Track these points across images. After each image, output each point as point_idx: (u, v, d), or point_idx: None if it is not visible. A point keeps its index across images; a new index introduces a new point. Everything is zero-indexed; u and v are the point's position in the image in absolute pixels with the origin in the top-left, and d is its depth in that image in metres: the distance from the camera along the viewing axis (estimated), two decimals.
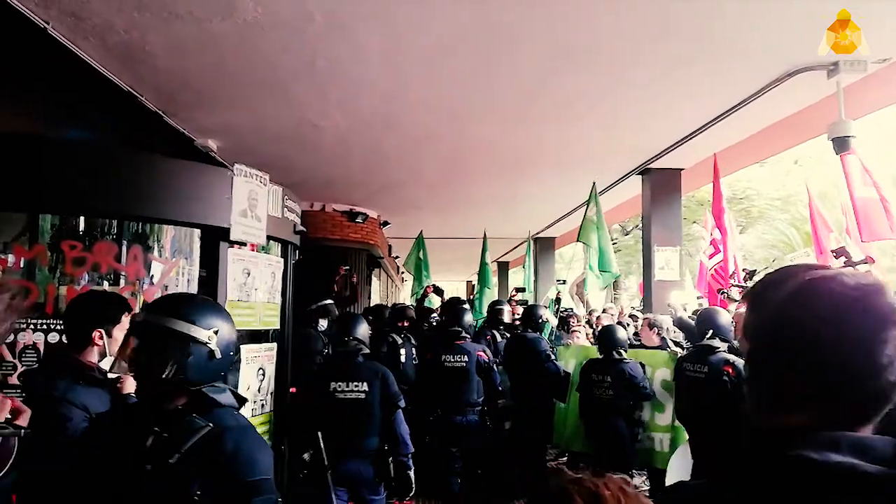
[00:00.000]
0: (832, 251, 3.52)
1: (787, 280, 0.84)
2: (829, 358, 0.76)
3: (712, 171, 5.59)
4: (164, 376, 1.52)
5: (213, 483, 1.46)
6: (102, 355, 2.19)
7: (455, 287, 23.19)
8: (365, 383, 3.35)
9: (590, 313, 7.51)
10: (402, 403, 3.41)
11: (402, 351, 5.11)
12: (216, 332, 1.60)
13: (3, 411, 1.41)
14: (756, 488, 0.77)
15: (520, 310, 6.45)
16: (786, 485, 0.74)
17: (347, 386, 3.35)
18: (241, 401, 1.70)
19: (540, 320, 5.34)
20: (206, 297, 1.99)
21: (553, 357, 5.05)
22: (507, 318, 5.96)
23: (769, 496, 0.75)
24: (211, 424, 1.51)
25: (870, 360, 0.75)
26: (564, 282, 9.01)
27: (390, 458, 3.35)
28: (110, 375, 2.27)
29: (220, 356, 1.60)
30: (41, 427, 1.74)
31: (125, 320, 2.24)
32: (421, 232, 9.39)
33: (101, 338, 2.18)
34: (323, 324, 4.86)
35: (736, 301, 4.61)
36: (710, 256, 5.86)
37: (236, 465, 1.48)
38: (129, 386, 2.24)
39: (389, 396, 3.36)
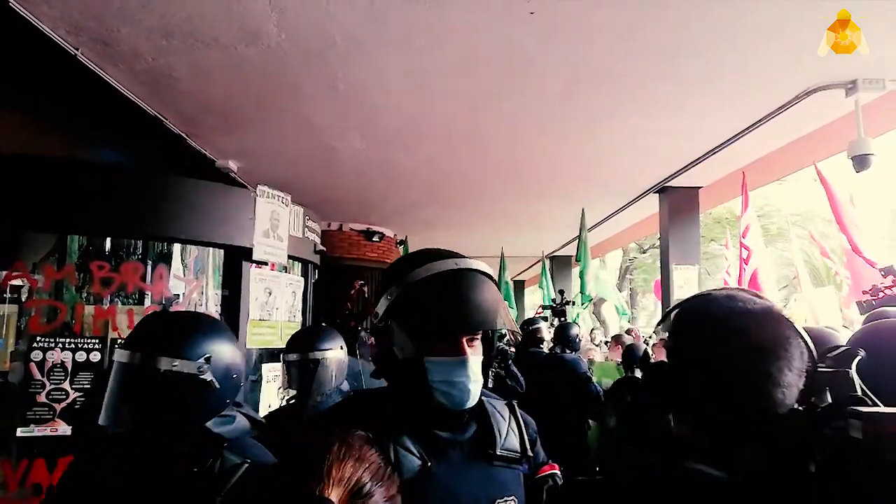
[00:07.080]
0: (881, 269, 3.37)
1: None
2: None
3: (737, 188, 5.57)
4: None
5: None
6: None
7: None
8: None
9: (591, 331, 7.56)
10: None
11: None
12: (208, 360, 1.34)
13: None
14: None
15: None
16: None
17: None
18: (257, 423, 1.46)
19: (577, 339, 5.21)
20: (195, 316, 1.63)
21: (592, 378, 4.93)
22: (546, 336, 5.82)
23: None
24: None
25: None
26: (574, 302, 8.91)
27: None
28: None
29: (217, 385, 1.34)
30: None
31: None
32: (406, 238, 9.30)
33: None
34: None
35: None
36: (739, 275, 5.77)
37: None
38: None
39: None
